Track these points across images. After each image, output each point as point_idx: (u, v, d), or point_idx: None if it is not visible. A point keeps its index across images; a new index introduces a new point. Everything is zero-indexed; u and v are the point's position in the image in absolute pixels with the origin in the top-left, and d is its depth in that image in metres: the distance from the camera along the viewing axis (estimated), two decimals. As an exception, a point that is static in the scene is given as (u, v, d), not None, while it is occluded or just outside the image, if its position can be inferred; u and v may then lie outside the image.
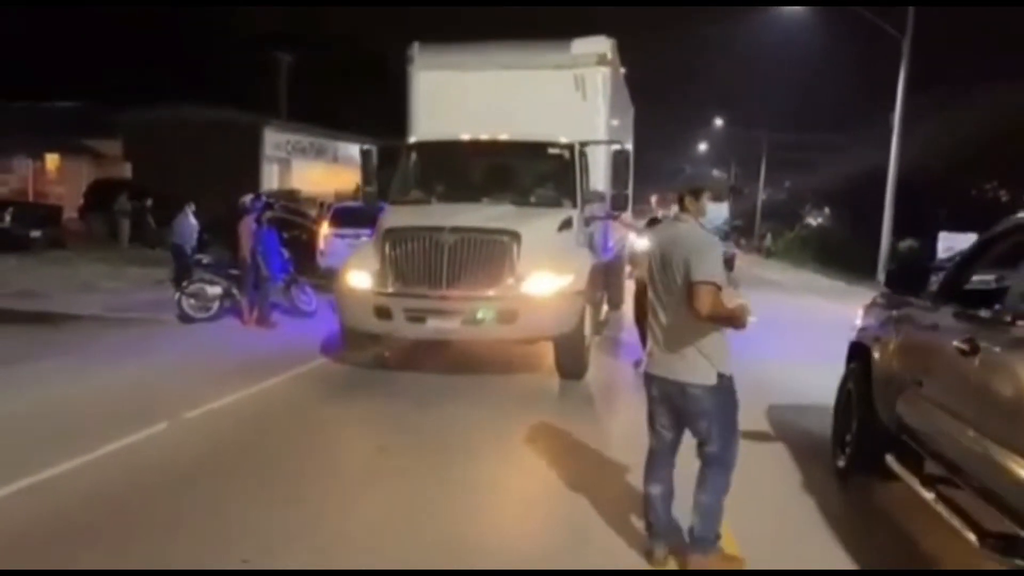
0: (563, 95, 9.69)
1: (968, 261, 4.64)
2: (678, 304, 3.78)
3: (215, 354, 8.96)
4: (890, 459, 4.57)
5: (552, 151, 9.21)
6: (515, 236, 7.73)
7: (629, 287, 10.65)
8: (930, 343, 4.34)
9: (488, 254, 7.66)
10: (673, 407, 3.91)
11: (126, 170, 31.20)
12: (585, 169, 9.28)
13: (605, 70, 9.92)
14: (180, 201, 14.93)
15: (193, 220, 14.88)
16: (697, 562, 3.87)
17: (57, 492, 4.73)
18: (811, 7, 25.86)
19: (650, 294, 4.02)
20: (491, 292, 7.62)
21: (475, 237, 7.68)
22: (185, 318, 10.88)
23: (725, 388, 3.81)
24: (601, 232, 10.15)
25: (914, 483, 4.26)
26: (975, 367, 3.67)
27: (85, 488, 4.83)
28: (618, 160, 9.38)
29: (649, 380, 4.00)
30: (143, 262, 17.75)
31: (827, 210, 49.67)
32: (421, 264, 7.69)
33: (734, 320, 3.77)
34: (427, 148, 9.69)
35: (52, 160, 31.83)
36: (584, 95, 9.79)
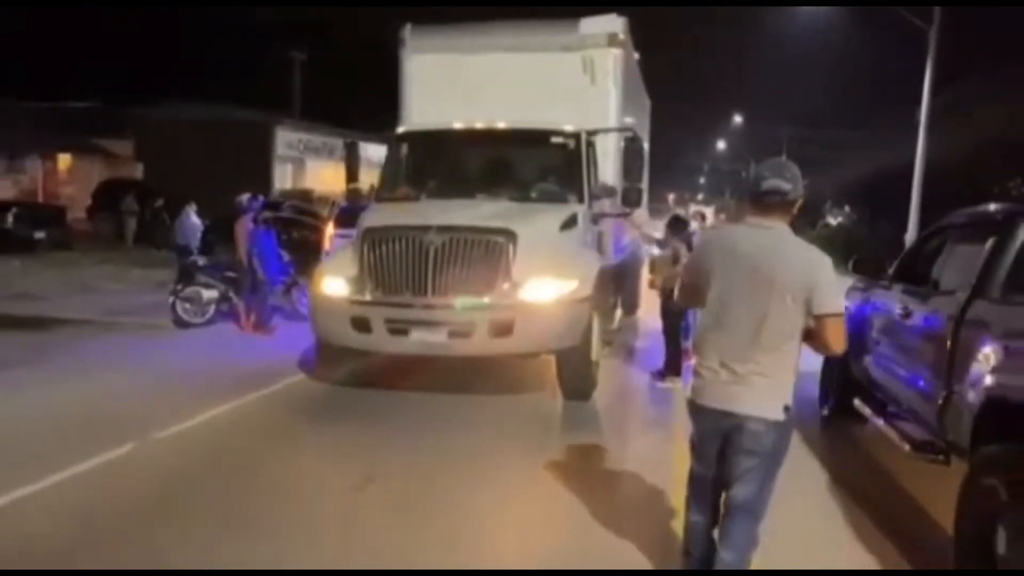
0: (570, 79, 8.87)
1: (913, 252, 6.27)
2: (761, 324, 3.18)
3: (201, 363, 8.48)
4: (857, 402, 6.04)
5: (555, 140, 8.31)
6: (510, 236, 6.81)
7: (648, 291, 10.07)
8: (884, 312, 5.80)
9: (479, 256, 6.73)
10: (722, 440, 3.33)
11: (138, 170, 31.06)
12: (593, 160, 8.46)
13: (616, 51, 9.08)
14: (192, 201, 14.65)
15: (196, 220, 14.56)
16: None
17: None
18: (833, 6, 25.23)
19: (712, 307, 3.35)
20: (484, 300, 6.71)
21: (465, 237, 6.76)
22: (180, 323, 10.47)
23: (787, 423, 3.27)
24: (612, 231, 9.26)
25: (869, 413, 5.77)
26: (907, 326, 5.24)
27: (16, 529, 4.26)
28: (630, 150, 8.46)
29: (700, 412, 3.38)
30: (148, 263, 17.47)
31: (847, 208, 48.85)
32: (404, 268, 6.76)
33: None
34: (417, 139, 8.89)
35: (64, 160, 31.74)
36: (593, 79, 8.93)
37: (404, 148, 8.96)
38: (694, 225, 10.46)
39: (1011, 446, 3.46)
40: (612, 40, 9.05)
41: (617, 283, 10.30)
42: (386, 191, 8.55)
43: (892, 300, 5.64)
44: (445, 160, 9.03)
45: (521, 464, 5.56)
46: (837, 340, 3.21)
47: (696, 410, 3.41)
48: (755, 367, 3.20)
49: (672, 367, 8.13)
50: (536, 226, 7.13)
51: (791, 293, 3.14)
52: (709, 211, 38.53)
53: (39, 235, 19.48)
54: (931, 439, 4.65)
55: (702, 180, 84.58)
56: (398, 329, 6.73)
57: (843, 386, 6.47)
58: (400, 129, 9.07)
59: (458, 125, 8.42)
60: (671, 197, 63.88)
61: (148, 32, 37.05)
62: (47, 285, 14.26)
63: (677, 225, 9.05)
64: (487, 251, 6.75)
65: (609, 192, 8.58)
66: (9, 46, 33.03)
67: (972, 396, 3.93)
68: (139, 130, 30.96)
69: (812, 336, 3.25)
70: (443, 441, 6.02)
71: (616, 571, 3.95)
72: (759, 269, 3.19)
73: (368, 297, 6.85)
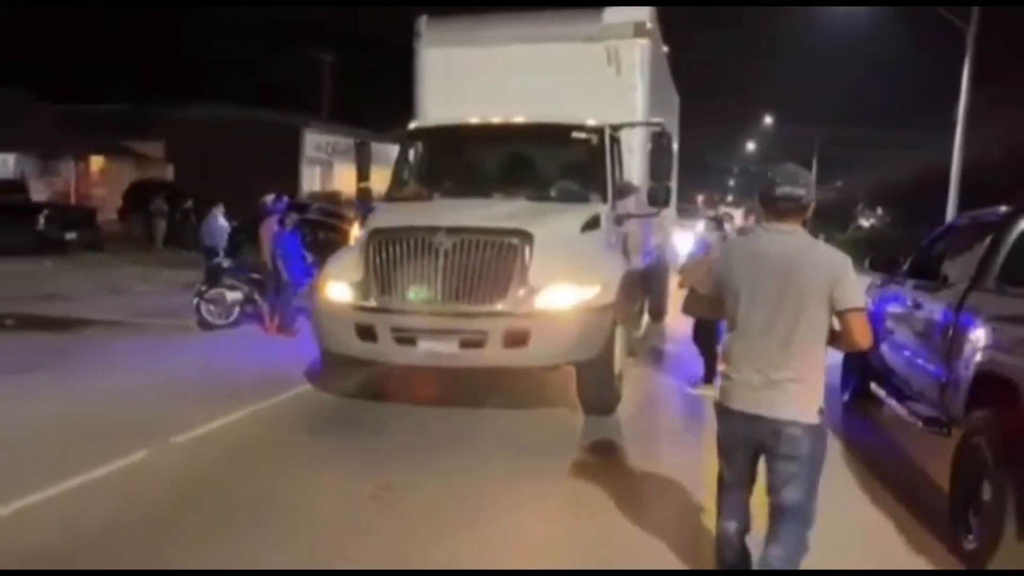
0: (593, 71, 8.38)
1: (924, 250, 6.65)
2: (792, 329, 3.22)
3: (222, 366, 8.41)
4: (874, 386, 6.56)
5: (577, 136, 7.76)
6: (526, 237, 6.32)
7: (676, 295, 9.86)
8: (898, 305, 6.35)
9: (493, 260, 6.24)
10: (756, 446, 3.36)
11: (168, 172, 31.38)
12: (618, 158, 7.99)
13: (643, 42, 8.55)
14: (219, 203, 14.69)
15: (223, 221, 14.59)
16: None
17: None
18: (869, 6, 24.80)
19: (741, 314, 3.34)
20: (497, 307, 6.22)
21: (477, 239, 6.28)
22: (205, 324, 10.46)
23: (822, 425, 3.30)
24: (640, 232, 8.86)
25: (884, 396, 6.29)
26: (917, 317, 5.79)
27: (23, 538, 4.15)
28: (657, 146, 7.89)
29: (728, 414, 3.39)
30: (177, 264, 17.58)
31: (880, 210, 48.05)
32: (411, 272, 6.31)
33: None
34: (429, 135, 8.43)
35: (96, 162, 32.15)
36: (618, 71, 8.43)
37: (416, 145, 8.57)
38: (727, 227, 10.26)
39: (993, 412, 4.17)
40: (639, 30, 8.54)
41: (644, 288, 9.93)
42: (396, 190, 8.19)
43: (904, 294, 6.25)
44: (459, 158, 8.63)
45: (546, 471, 5.40)
46: (863, 335, 3.26)
47: (726, 414, 3.41)
48: (789, 372, 3.22)
49: (709, 374, 7.88)
50: (555, 227, 6.68)
51: (819, 295, 3.20)
52: (738, 213, 38.15)
53: (70, 236, 19.68)
54: (936, 416, 5.24)
55: (731, 182, 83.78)
56: (405, 338, 6.29)
57: (862, 373, 6.95)
58: (412, 125, 8.61)
59: (473, 120, 7.99)
60: (700, 198, 63.16)
61: (177, 33, 37.45)
62: (77, 286, 14.38)
63: (716, 225, 9.04)
64: (501, 254, 6.28)
65: (636, 191, 8.19)
66: (43, 50, 33.55)
67: (965, 372, 4.57)
68: (169, 132, 31.26)
69: (837, 335, 3.29)
70: (461, 452, 5.82)
71: (623, 571, 3.83)
72: (789, 274, 3.24)
73: (373, 303, 6.42)
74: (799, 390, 3.22)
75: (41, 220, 19.42)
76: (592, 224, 7.10)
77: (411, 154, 8.53)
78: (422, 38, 9.10)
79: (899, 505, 4.96)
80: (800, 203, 3.31)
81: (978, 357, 4.42)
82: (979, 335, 4.49)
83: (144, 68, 36.52)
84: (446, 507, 4.76)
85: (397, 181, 8.31)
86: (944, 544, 4.32)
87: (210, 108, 29.97)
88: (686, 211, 31.61)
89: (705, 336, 7.85)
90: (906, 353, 5.92)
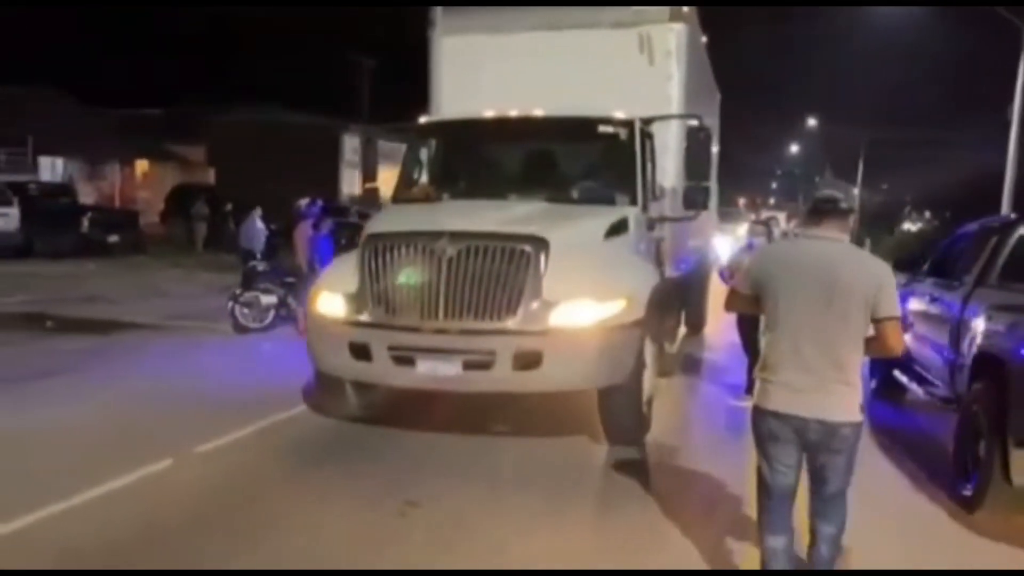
0: (624, 60, 7.61)
1: (943, 252, 7.46)
2: (839, 334, 3.36)
3: (252, 371, 8.30)
4: (896, 372, 7.30)
5: (603, 130, 7.02)
6: (540, 244, 5.53)
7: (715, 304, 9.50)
8: (918, 300, 6.99)
9: (502, 269, 5.47)
10: (806, 446, 3.45)
11: (210, 175, 31.80)
12: (650, 154, 7.23)
13: (679, 27, 7.75)
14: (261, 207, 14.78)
15: (260, 224, 14.65)
16: None
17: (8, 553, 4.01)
18: (923, 6, 24.18)
19: (781, 316, 3.44)
20: (506, 324, 5.44)
21: (484, 246, 5.50)
22: (239, 328, 10.45)
23: (864, 419, 3.50)
24: (676, 237, 8.15)
25: (906, 381, 7.11)
26: (934, 310, 6.56)
27: (48, 546, 4.08)
28: (695, 141, 7.08)
29: (772, 416, 3.44)
30: (217, 267, 17.72)
31: (927, 214, 46.93)
32: (411, 284, 5.60)
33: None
34: (441, 131, 7.72)
35: (140, 166, 32.72)
36: (651, 59, 7.65)
37: (427, 142, 7.89)
38: (775, 231, 9.96)
39: (988, 385, 4.93)
40: (675, 15, 7.74)
41: (680, 299, 9.32)
42: (403, 191, 7.49)
43: (924, 291, 6.98)
44: (473, 155, 7.93)
45: (568, 504, 5.16)
46: (898, 342, 3.44)
47: (768, 416, 3.45)
48: (838, 375, 3.35)
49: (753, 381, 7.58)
50: (574, 232, 5.97)
51: (861, 302, 3.32)
52: (781, 216, 37.49)
53: (113, 239, 20.06)
54: (949, 395, 6.05)
55: (774, 185, 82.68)
56: (403, 358, 5.57)
57: (887, 363, 7.33)
58: (422, 119, 7.79)
59: (488, 114, 7.25)
60: (742, 201, 62.24)
61: (220, 38, 37.97)
62: (117, 288, 14.56)
63: (765, 229, 8.68)
64: (511, 263, 5.48)
65: (670, 192, 7.66)
66: (91, 55, 34.25)
67: (968, 354, 5.41)
68: (211, 135, 31.69)
69: (871, 341, 3.41)
70: (488, 473, 5.57)
71: (631, 571, 3.76)
72: (833, 281, 3.33)
73: (368, 318, 5.68)
74: (848, 392, 3.37)
75: (85, 223, 19.81)
76: (618, 229, 6.36)
77: (421, 152, 7.92)
78: (437, 27, 8.36)
79: (914, 465, 5.91)
80: (838, 205, 3.48)
81: (978, 340, 5.27)
82: (979, 323, 5.35)
83: (187, 73, 37.08)
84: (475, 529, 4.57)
85: (405, 181, 7.66)
86: (946, 492, 5.22)
87: (251, 112, 30.33)
88: (727, 214, 31.09)
89: (750, 334, 7.53)
90: (925, 342, 6.60)
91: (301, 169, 25.62)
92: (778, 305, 3.43)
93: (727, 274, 7.88)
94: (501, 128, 7.26)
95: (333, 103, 33.89)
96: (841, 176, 49.71)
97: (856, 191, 40.01)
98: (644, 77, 7.66)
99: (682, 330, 10.52)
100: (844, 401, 3.36)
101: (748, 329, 7.48)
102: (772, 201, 74.08)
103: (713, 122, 12.27)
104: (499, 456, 5.84)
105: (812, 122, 54.58)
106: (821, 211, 3.46)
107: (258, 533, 4.36)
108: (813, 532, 3.56)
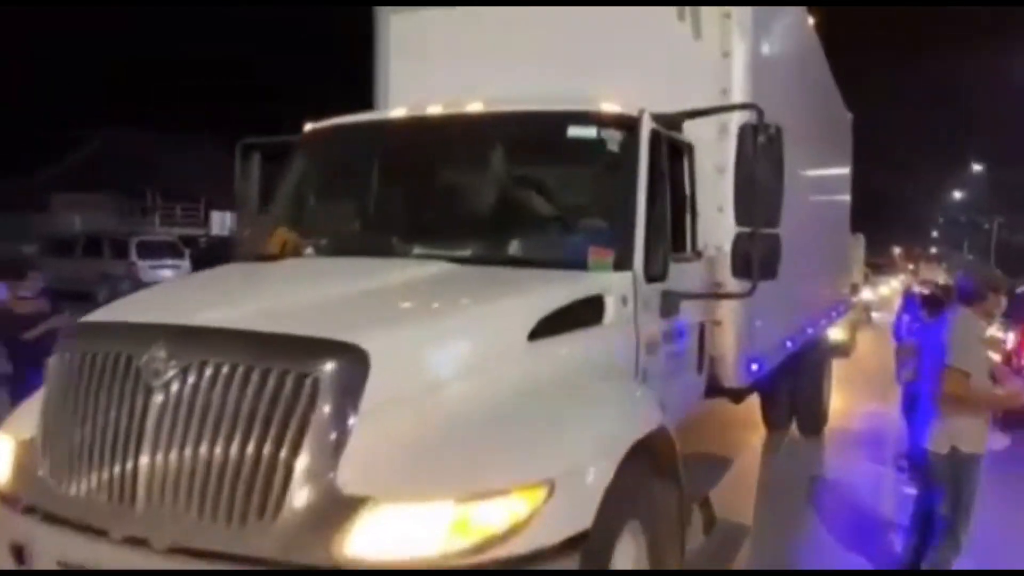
0: (655, 32, 4.76)
1: None
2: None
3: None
4: None
5: (577, 133, 4.02)
6: (348, 361, 2.59)
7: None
8: None
9: (258, 416, 2.55)
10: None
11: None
12: (686, 176, 4.31)
13: None
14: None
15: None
16: None
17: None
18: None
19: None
20: (254, 544, 2.49)
21: (229, 364, 2.61)
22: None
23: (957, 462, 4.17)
24: (760, 311, 4.92)
25: None
26: None
27: None
28: (747, 146, 3.81)
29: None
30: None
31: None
32: (100, 435, 2.77)
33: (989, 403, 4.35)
34: (331, 142, 4.70)
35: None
36: (697, 31, 4.69)
37: (310, 160, 4.74)
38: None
39: None
40: None
41: (789, 386, 7.68)
42: (254, 240, 4.64)
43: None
44: (372, 180, 4.78)
45: None
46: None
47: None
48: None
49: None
50: (456, 329, 3.10)
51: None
52: (941, 272, 32.76)
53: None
54: None
55: (935, 233, 75.27)
56: None
57: None
58: (307, 127, 4.71)
59: (396, 114, 4.58)
60: (897, 252, 56.19)
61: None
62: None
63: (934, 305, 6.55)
64: (275, 402, 2.54)
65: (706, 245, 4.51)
66: (258, 109, 35.98)
67: None
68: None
69: None
70: None
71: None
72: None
73: (34, 497, 2.92)
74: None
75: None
76: (570, 319, 3.33)
77: (297, 175, 4.73)
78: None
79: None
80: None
81: None
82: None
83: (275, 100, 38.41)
84: None
85: (259, 223, 4.74)
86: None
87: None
88: (880, 268, 26.85)
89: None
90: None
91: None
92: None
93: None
94: (419, 135, 4.38)
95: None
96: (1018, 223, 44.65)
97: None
98: (688, 57, 4.68)
99: (793, 428, 8.42)
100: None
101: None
102: (934, 250, 67.47)
103: (845, 147, 10.27)
104: None
105: (977, 167, 49.85)
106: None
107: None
108: None
